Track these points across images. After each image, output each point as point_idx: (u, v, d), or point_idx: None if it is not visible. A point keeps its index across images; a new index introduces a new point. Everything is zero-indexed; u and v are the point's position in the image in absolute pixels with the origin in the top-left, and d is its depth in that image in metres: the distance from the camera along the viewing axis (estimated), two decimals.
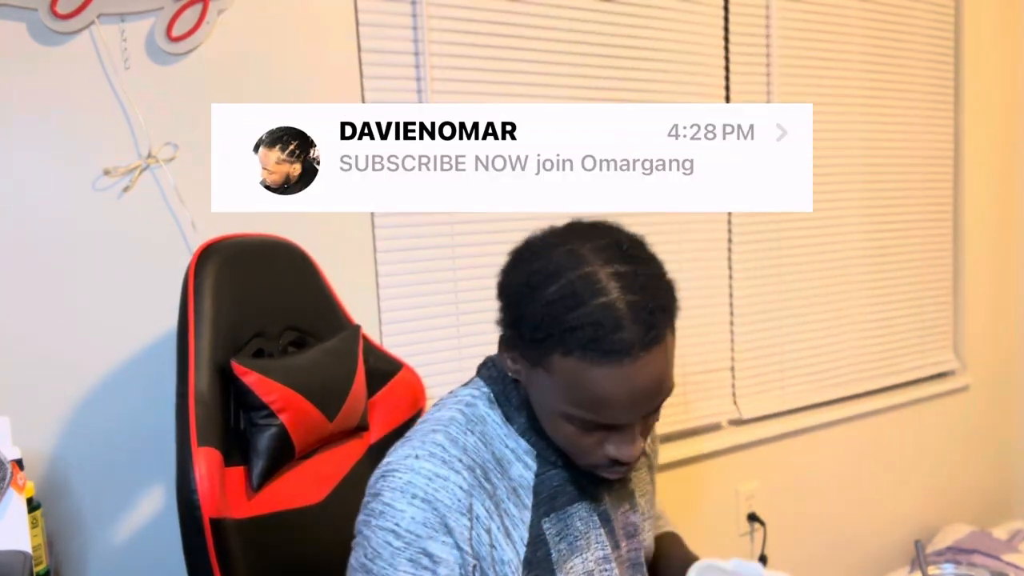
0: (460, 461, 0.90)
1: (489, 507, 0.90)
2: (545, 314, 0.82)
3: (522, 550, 0.92)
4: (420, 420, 0.97)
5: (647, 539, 1.09)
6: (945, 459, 2.53)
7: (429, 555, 0.86)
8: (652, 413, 0.89)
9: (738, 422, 2.09)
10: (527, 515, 0.93)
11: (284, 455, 1.13)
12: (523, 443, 0.95)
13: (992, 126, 2.54)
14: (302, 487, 1.18)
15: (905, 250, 2.38)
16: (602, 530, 1.00)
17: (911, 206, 2.38)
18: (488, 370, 1.00)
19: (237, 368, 1.09)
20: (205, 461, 1.00)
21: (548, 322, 0.82)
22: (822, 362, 2.22)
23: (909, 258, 2.39)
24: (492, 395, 0.97)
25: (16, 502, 0.93)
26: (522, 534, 0.92)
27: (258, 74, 1.42)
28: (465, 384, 1.02)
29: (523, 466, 0.95)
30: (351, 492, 1.21)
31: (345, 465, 1.27)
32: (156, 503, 1.38)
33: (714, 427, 2.06)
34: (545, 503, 0.95)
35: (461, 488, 0.88)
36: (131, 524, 1.36)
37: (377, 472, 0.92)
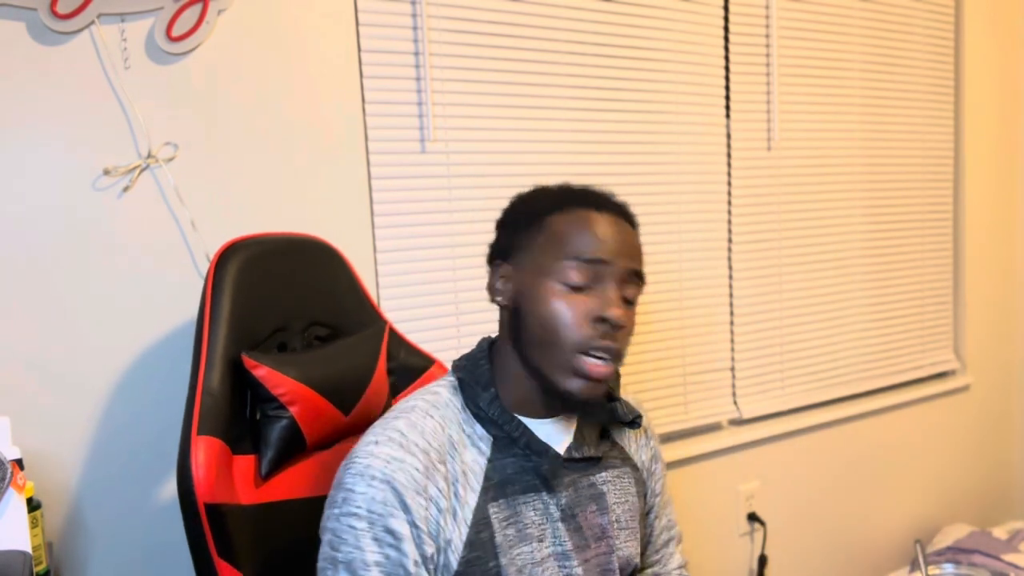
0: (416, 445, 0.94)
1: (443, 488, 0.94)
2: (539, 196, 1.03)
3: (465, 531, 0.95)
4: (388, 411, 1.02)
5: (623, 548, 1.08)
6: (945, 459, 2.53)
7: (392, 532, 0.90)
8: (630, 283, 0.99)
9: (738, 422, 2.10)
10: (473, 498, 0.96)
11: (294, 446, 1.14)
12: (479, 429, 1.00)
13: (992, 126, 2.54)
14: (319, 477, 1.19)
15: (905, 250, 2.38)
16: (561, 525, 1.01)
17: (911, 206, 2.38)
18: (458, 361, 1.06)
19: (247, 362, 1.11)
20: (204, 449, 1.01)
21: (542, 199, 1.02)
22: (822, 362, 2.22)
23: (909, 258, 2.39)
24: (457, 383, 1.03)
25: (16, 502, 0.93)
26: (467, 515, 0.96)
27: (258, 74, 1.42)
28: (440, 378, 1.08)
29: (477, 451, 0.99)
30: None
31: None
32: (157, 502, 1.38)
33: (714, 427, 2.06)
34: (495, 488, 0.98)
35: (417, 470, 0.92)
36: (131, 524, 1.36)
37: (341, 466, 0.96)
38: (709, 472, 2.03)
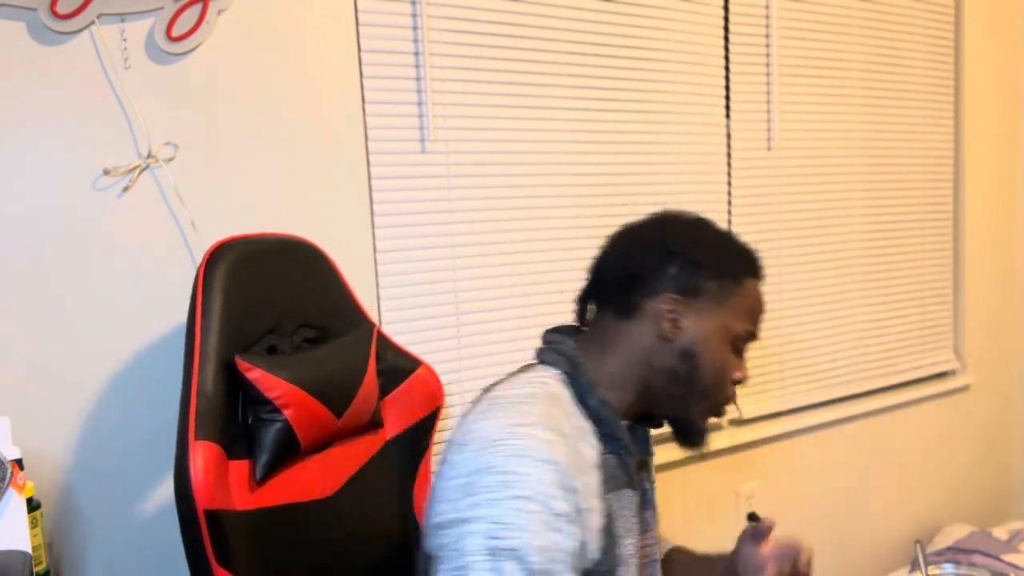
0: (561, 431, 0.92)
1: (583, 475, 0.94)
2: (728, 249, 1.06)
3: (598, 520, 0.95)
4: (489, 397, 0.98)
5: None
6: (945, 459, 2.53)
7: (561, 515, 0.88)
8: None
9: (738, 422, 2.09)
10: (597, 488, 0.97)
11: (289, 450, 1.13)
12: (586, 424, 0.99)
13: (992, 126, 2.54)
14: (313, 480, 1.19)
15: (905, 250, 2.38)
16: (636, 519, 1.05)
17: (911, 206, 2.38)
18: (551, 355, 1.03)
19: (241, 364, 1.10)
20: (202, 454, 1.00)
21: (735, 254, 1.05)
22: (822, 362, 2.22)
23: (909, 258, 2.39)
24: (566, 377, 1.01)
25: (16, 502, 0.93)
26: (598, 504, 0.96)
27: (258, 74, 1.42)
28: (524, 369, 1.04)
29: (588, 445, 0.98)
30: (365, 486, 1.24)
31: (360, 459, 1.27)
32: (156, 503, 1.38)
33: (714, 427, 2.06)
34: (609, 480, 0.99)
35: (571, 454, 0.91)
36: (131, 524, 1.36)
37: (467, 452, 0.90)
38: (709, 472, 2.03)
